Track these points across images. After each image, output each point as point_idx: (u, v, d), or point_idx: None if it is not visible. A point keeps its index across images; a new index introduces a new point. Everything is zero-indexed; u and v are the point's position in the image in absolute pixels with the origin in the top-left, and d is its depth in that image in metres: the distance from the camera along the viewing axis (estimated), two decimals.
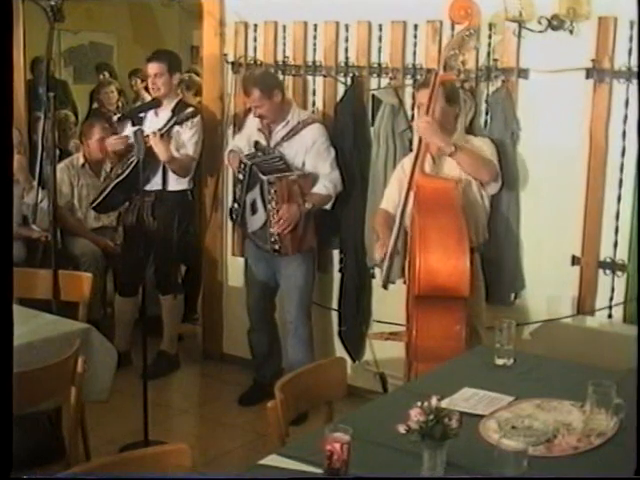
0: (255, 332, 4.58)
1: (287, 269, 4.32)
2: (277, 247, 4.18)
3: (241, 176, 4.26)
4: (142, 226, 4.71)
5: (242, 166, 4.25)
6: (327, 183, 4.20)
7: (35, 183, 4.34)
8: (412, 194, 3.62)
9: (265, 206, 4.15)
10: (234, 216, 4.42)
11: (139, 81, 8.22)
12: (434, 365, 3.17)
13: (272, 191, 4.08)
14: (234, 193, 4.41)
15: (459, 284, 3.43)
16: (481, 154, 3.69)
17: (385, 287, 3.82)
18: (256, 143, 4.30)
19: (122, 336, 4.97)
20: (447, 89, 3.69)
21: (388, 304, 4.05)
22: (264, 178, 4.10)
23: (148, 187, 4.68)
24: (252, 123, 4.42)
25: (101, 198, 4.85)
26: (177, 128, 4.62)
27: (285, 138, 4.26)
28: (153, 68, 4.70)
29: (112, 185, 4.76)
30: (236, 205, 4.34)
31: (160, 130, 4.54)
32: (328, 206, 4.29)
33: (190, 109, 4.68)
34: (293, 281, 4.32)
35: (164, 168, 4.67)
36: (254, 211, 4.23)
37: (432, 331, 3.50)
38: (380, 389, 4.15)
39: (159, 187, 4.72)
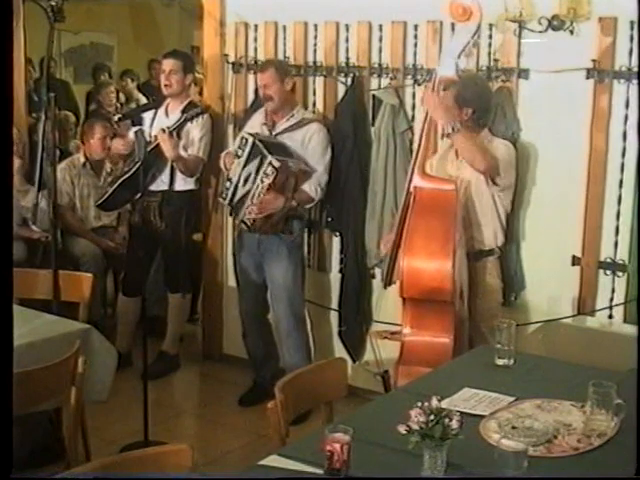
0: (250, 336, 4.58)
1: (274, 271, 4.32)
2: (248, 223, 4.19)
3: (240, 151, 4.21)
4: (148, 226, 4.72)
5: (243, 141, 4.21)
6: (317, 186, 4.21)
7: (29, 186, 4.35)
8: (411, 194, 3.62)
9: (255, 181, 4.12)
10: (224, 194, 4.33)
11: (129, 81, 8.24)
12: (419, 369, 3.19)
13: (271, 175, 4.04)
14: (227, 174, 4.36)
15: (441, 287, 3.43)
16: (484, 145, 3.64)
17: (385, 287, 3.83)
18: (256, 134, 4.28)
19: (124, 337, 4.96)
20: (456, 90, 3.63)
21: (388, 304, 4.04)
22: (270, 157, 4.05)
23: (154, 187, 4.69)
24: (255, 121, 4.41)
25: (107, 196, 4.85)
26: (187, 126, 4.63)
27: (287, 130, 4.26)
28: (169, 64, 4.71)
29: (118, 183, 4.76)
30: (227, 183, 4.29)
31: (169, 128, 4.54)
32: (308, 206, 4.31)
33: (199, 107, 4.70)
34: (281, 282, 4.32)
35: (172, 167, 4.67)
36: (246, 182, 4.18)
37: (419, 334, 3.52)
38: (380, 389, 4.15)
39: (166, 187, 4.73)
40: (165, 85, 4.74)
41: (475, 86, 3.74)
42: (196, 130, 4.68)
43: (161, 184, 4.72)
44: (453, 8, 3.57)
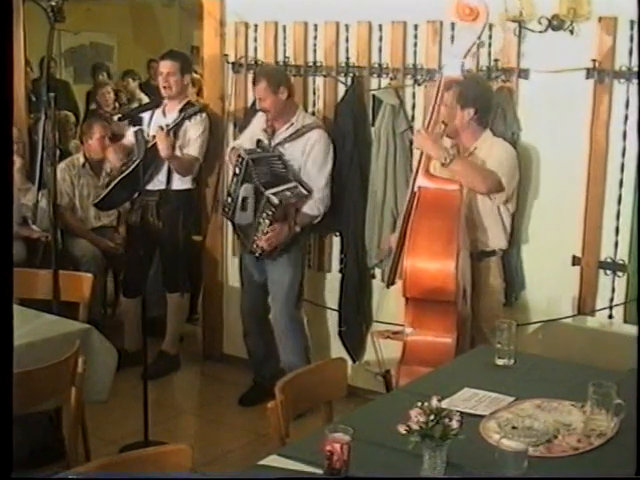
0: (250, 335, 4.58)
1: (275, 271, 4.34)
2: (257, 252, 4.23)
3: (237, 170, 4.23)
4: (146, 226, 4.72)
5: (239, 160, 4.23)
6: (319, 204, 4.23)
7: (31, 184, 4.34)
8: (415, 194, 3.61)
9: (256, 210, 4.14)
10: (226, 209, 4.37)
11: (131, 81, 8.24)
12: (420, 369, 3.19)
13: (270, 212, 4.09)
14: (228, 188, 4.40)
15: (444, 287, 3.43)
16: (481, 165, 3.63)
17: (388, 286, 3.82)
18: (258, 141, 4.30)
19: (131, 336, 4.96)
20: (458, 91, 3.63)
21: (388, 304, 4.04)
22: (267, 194, 4.08)
23: (151, 186, 4.69)
24: (257, 123, 4.41)
25: (103, 195, 4.85)
26: (185, 125, 4.62)
27: (287, 139, 4.25)
28: (166, 66, 4.70)
29: (115, 182, 4.76)
30: (229, 199, 4.32)
31: (168, 126, 4.54)
32: (313, 222, 4.32)
33: (197, 106, 4.71)
34: (279, 284, 4.33)
35: (169, 167, 4.67)
36: (244, 208, 4.20)
37: (421, 334, 3.52)
38: (380, 389, 4.14)
39: (163, 186, 4.72)
40: (164, 87, 4.73)
41: (476, 86, 3.73)
42: (193, 130, 4.67)
43: (158, 183, 4.72)
44: (459, 8, 3.56)
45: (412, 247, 3.48)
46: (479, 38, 3.59)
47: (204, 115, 4.71)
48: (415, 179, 3.63)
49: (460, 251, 3.46)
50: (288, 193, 4.12)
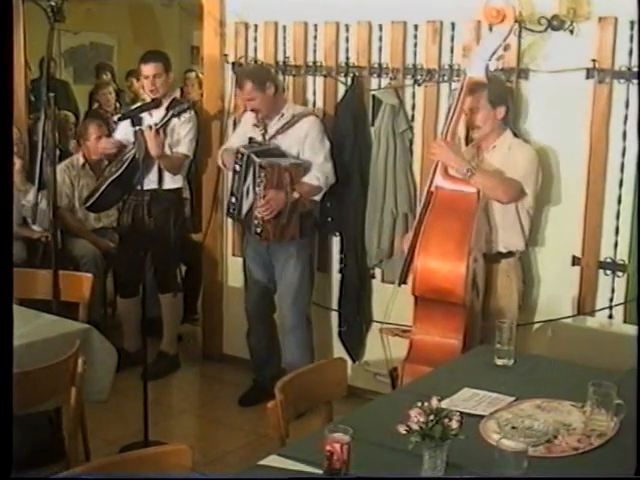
0: (253, 334, 4.57)
1: (283, 270, 4.32)
2: (259, 231, 4.16)
3: (238, 167, 4.23)
4: (139, 226, 4.71)
5: (239, 156, 4.22)
6: (319, 174, 4.18)
7: (31, 185, 4.33)
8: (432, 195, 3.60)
9: (255, 189, 4.14)
10: (231, 210, 4.36)
11: (135, 81, 8.22)
12: (425, 368, 3.19)
13: (262, 175, 4.06)
14: (231, 187, 4.39)
15: (453, 288, 3.43)
16: (502, 174, 3.62)
17: (399, 284, 3.82)
18: (250, 139, 4.30)
19: (131, 337, 4.97)
20: (491, 90, 3.62)
21: (388, 304, 4.04)
22: (257, 161, 4.08)
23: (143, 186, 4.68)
24: (247, 120, 4.41)
25: (95, 197, 4.82)
26: (174, 123, 4.60)
27: (280, 131, 4.25)
28: (151, 70, 4.67)
29: (106, 183, 4.74)
30: (233, 199, 4.31)
31: (156, 125, 4.53)
32: (318, 197, 4.27)
33: (185, 103, 4.70)
34: (288, 282, 4.31)
35: (159, 166, 4.66)
36: (247, 196, 4.20)
37: (428, 333, 3.51)
38: (380, 389, 4.15)
39: (154, 186, 4.70)
40: (151, 90, 4.69)
41: (504, 85, 3.76)
42: (182, 127, 4.66)
43: (149, 183, 4.66)
44: (487, 10, 3.58)
45: (424, 246, 3.48)
46: (505, 40, 3.58)
47: (192, 113, 4.70)
48: (433, 178, 3.62)
49: (472, 253, 3.45)
50: (279, 161, 4.11)
